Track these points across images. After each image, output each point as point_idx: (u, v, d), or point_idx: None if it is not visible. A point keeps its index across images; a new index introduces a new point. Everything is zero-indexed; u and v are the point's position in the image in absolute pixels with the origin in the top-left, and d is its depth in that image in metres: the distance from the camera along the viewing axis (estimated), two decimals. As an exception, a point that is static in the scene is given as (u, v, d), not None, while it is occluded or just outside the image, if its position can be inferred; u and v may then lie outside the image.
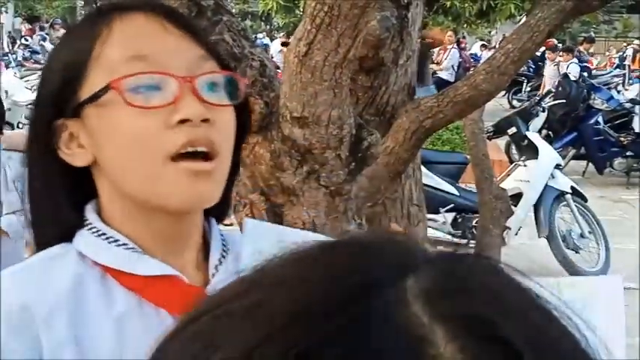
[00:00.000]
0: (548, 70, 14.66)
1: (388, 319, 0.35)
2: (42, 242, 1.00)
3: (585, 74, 12.05)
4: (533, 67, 16.43)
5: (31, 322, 0.89)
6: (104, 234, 0.96)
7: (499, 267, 0.41)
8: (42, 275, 0.94)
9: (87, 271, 0.95)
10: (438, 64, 14.38)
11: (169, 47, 0.94)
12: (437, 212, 6.56)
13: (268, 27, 25.76)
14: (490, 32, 19.42)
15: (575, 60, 15.34)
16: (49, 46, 19.18)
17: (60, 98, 0.95)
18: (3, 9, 25.40)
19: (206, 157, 0.92)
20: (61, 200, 0.97)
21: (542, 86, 13.75)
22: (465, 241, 6.66)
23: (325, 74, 1.74)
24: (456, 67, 15.05)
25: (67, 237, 0.98)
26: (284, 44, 7.95)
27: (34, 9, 26.94)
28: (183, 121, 0.90)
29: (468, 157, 6.72)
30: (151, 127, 0.90)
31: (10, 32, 24.13)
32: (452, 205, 6.70)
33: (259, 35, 20.59)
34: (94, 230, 0.96)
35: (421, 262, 0.38)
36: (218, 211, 1.06)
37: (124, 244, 0.96)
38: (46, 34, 21.11)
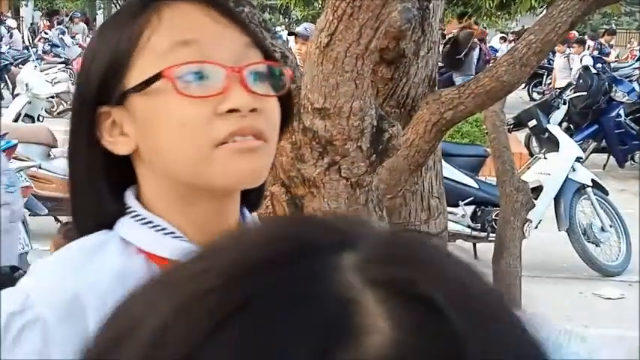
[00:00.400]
0: (558, 62, 14.56)
1: (322, 279, 0.36)
2: (83, 231, 0.99)
3: (600, 66, 11.91)
4: (552, 59, 16.32)
5: (82, 310, 0.89)
6: (149, 221, 0.96)
7: (437, 243, 0.43)
8: (89, 263, 0.93)
9: (131, 258, 0.94)
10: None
11: (216, 35, 0.95)
12: (456, 205, 6.53)
13: (287, 20, 25.75)
14: (508, 25, 19.31)
15: (587, 52, 15.23)
16: (68, 40, 19.29)
17: (104, 86, 0.95)
18: (23, 2, 25.57)
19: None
20: (102, 188, 0.97)
21: (552, 79, 13.62)
22: (484, 234, 6.64)
23: (347, 65, 1.74)
24: (475, 60, 14.97)
25: (108, 225, 0.97)
26: (291, 34, 7.96)
27: (53, 2, 27.08)
28: (231, 111, 0.91)
29: (488, 149, 6.70)
30: (201, 116, 0.91)
31: (30, 25, 24.29)
32: (471, 198, 6.68)
33: (277, 28, 20.59)
34: (137, 217, 0.96)
35: (362, 235, 0.40)
36: (252, 201, 1.06)
37: (170, 232, 0.96)
38: (66, 27, 21.21)
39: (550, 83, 14.84)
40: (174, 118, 0.92)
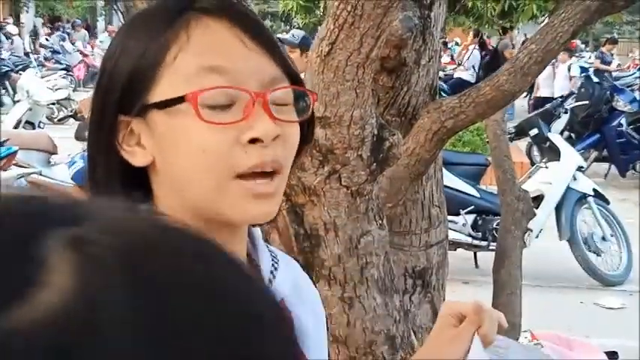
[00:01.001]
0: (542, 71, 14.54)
1: (23, 243, 0.37)
2: None
3: (589, 73, 11.90)
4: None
5: None
6: None
7: (158, 218, 0.44)
8: None
9: None
10: (459, 64, 14.32)
11: (245, 63, 0.92)
12: (457, 214, 6.53)
13: (288, 27, 25.79)
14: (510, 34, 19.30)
15: (574, 60, 15.22)
16: (69, 46, 19.33)
17: (126, 96, 0.93)
18: (24, 9, 25.61)
19: (271, 176, 0.92)
20: (119, 195, 0.95)
21: (535, 88, 13.50)
22: (485, 243, 6.63)
23: (348, 74, 1.73)
24: (477, 68, 15.00)
25: None
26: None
27: (54, 9, 27.13)
28: (254, 140, 0.89)
29: (489, 158, 6.70)
30: (222, 144, 0.89)
31: (33, 30, 24.31)
32: (472, 207, 6.68)
33: (279, 36, 20.59)
34: None
35: (81, 210, 0.40)
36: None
37: None
38: (66, 33, 21.24)
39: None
40: (195, 143, 0.89)
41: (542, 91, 13.51)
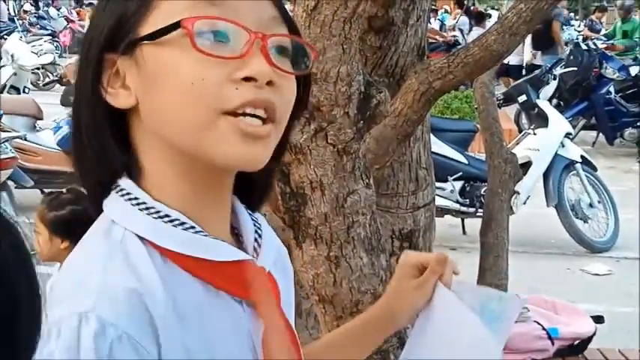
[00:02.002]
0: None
1: None
2: (86, 188, 0.94)
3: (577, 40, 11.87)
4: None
5: (147, 312, 0.83)
6: (157, 211, 0.89)
7: None
8: (129, 266, 0.85)
9: (154, 257, 0.87)
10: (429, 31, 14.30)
11: (247, 1, 0.88)
12: (445, 181, 6.53)
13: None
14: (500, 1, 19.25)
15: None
16: (53, 12, 19.12)
17: (114, 32, 0.88)
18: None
19: (263, 121, 0.87)
20: (106, 141, 0.90)
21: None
22: (472, 209, 6.65)
23: (334, 29, 1.70)
24: (466, 33, 14.97)
25: (108, 182, 0.91)
26: None
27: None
28: (248, 79, 0.85)
29: (477, 125, 6.68)
30: (214, 78, 0.84)
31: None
32: (460, 174, 6.68)
33: None
34: (142, 206, 0.89)
35: None
36: (257, 197, 1.03)
37: (182, 223, 0.89)
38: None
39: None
40: (184, 74, 0.84)
41: (510, 59, 13.46)
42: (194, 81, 0.83)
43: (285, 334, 0.97)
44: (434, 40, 13.97)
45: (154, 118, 0.88)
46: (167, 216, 0.88)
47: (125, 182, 0.90)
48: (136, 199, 0.89)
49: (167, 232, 0.88)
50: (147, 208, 0.89)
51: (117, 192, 0.90)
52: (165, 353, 0.83)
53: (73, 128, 0.93)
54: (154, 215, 0.88)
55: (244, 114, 0.85)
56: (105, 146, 0.90)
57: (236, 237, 0.98)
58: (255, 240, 0.97)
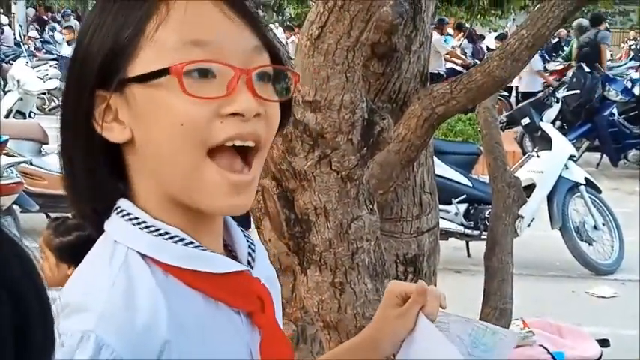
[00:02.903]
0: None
1: None
2: (82, 216, 0.99)
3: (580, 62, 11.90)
4: (547, 58, 16.32)
5: (150, 340, 0.87)
6: (157, 229, 0.93)
7: None
8: (134, 288, 0.89)
9: (156, 273, 0.91)
10: (449, 54, 14.32)
11: (228, 36, 0.91)
12: (449, 203, 6.54)
13: (280, 17, 25.71)
14: (504, 26, 19.33)
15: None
16: (59, 37, 19.24)
17: (104, 70, 0.90)
18: (13, 1, 25.46)
19: (250, 151, 0.91)
20: (100, 172, 0.94)
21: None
22: (477, 232, 6.64)
23: (337, 57, 1.72)
24: (469, 55, 15.03)
25: (105, 209, 0.95)
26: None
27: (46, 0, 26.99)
28: (234, 114, 0.88)
29: (481, 147, 6.69)
30: (202, 116, 0.87)
31: (29, 21, 24.18)
32: (464, 196, 6.68)
33: (271, 26, 20.53)
34: (142, 225, 0.93)
35: None
36: None
37: (181, 239, 0.93)
38: (57, 22, 21.13)
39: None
40: (175, 115, 0.88)
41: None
42: (184, 122, 0.87)
43: (281, 343, 1.02)
44: (453, 63, 14.02)
45: (147, 153, 0.91)
46: (167, 233, 0.92)
47: (124, 203, 0.94)
48: (136, 218, 0.93)
49: (167, 248, 0.92)
50: (147, 227, 0.93)
51: (117, 213, 0.94)
52: None
53: (64, 162, 0.96)
54: (155, 233, 0.92)
55: (234, 147, 0.89)
56: (101, 179, 0.94)
57: (229, 252, 1.02)
58: (249, 254, 1.01)
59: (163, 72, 0.87)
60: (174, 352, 0.87)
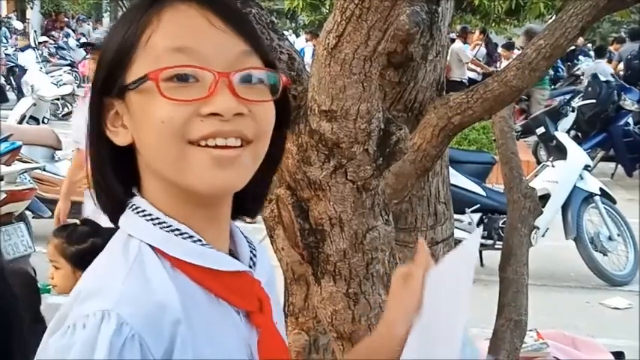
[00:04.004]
0: None
1: None
2: (105, 210, 1.05)
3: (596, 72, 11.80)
4: (562, 67, 16.28)
5: (164, 322, 0.92)
6: (169, 225, 0.99)
7: None
8: (147, 277, 0.96)
9: (165, 266, 0.97)
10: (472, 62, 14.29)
11: (211, 41, 0.97)
12: (463, 212, 6.50)
13: (294, 25, 25.76)
14: (517, 33, 19.28)
15: (582, 59, 15.12)
16: (72, 43, 19.35)
17: (109, 78, 0.99)
18: (29, 5, 25.62)
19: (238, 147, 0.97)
20: (109, 176, 1.02)
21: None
22: (490, 242, 6.61)
23: (354, 67, 1.71)
24: (483, 64, 15.00)
25: (120, 209, 1.03)
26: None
27: (60, 5, 27.09)
28: (214, 114, 0.94)
29: (495, 156, 6.66)
30: (181, 115, 0.94)
31: (43, 25, 24.29)
32: (478, 206, 6.65)
33: (285, 33, 20.52)
34: (155, 221, 1.00)
35: None
36: (251, 207, 1.11)
37: (190, 236, 0.99)
38: (73, 30, 21.24)
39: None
40: (156, 116, 0.95)
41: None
42: (164, 120, 0.94)
43: (278, 344, 1.07)
44: (474, 72, 13.99)
45: (143, 152, 1.00)
46: (177, 230, 0.99)
47: (138, 200, 1.02)
48: (149, 214, 1.00)
49: (177, 243, 0.98)
50: (160, 222, 1.00)
51: (131, 209, 1.02)
52: (177, 355, 0.92)
53: (90, 164, 1.05)
54: (166, 229, 0.99)
55: (216, 146, 0.95)
56: (109, 180, 1.02)
57: (231, 254, 1.06)
58: (251, 258, 1.07)
59: (144, 78, 0.95)
60: (185, 331, 0.93)
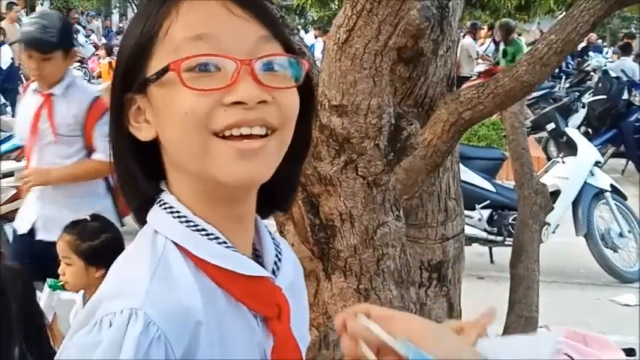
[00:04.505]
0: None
1: None
2: (130, 207, 1.05)
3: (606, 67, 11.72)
4: (572, 62, 16.22)
5: (190, 324, 0.93)
6: (196, 224, 0.99)
7: None
8: (172, 277, 0.95)
9: (189, 264, 0.97)
10: (481, 58, 14.28)
11: (231, 28, 0.95)
12: (473, 209, 6.48)
13: (303, 21, 25.73)
14: (529, 30, 19.22)
15: (592, 55, 15.03)
16: (82, 39, 19.35)
17: (129, 74, 0.98)
18: (38, 2, 25.67)
19: (263, 137, 0.95)
20: (135, 171, 1.01)
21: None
22: (500, 238, 6.58)
23: (365, 62, 1.70)
24: (492, 59, 14.96)
25: (147, 205, 1.02)
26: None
27: (69, 1, 27.13)
28: (237, 103, 0.92)
29: (505, 152, 6.63)
30: (204, 105, 0.92)
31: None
32: (488, 202, 6.62)
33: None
34: (183, 219, 0.99)
35: None
36: (281, 202, 1.10)
37: (216, 238, 0.98)
38: (82, 26, 21.25)
39: (570, 86, 14.69)
40: (179, 107, 0.93)
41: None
42: (187, 110, 0.92)
43: (292, 352, 1.06)
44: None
45: (167, 146, 0.98)
46: (204, 230, 0.98)
47: (167, 196, 1.01)
48: (177, 212, 0.99)
49: (202, 243, 0.97)
50: (187, 221, 0.99)
51: (159, 205, 1.01)
52: (198, 356, 0.92)
53: (113, 160, 1.04)
54: (192, 228, 0.98)
55: (241, 135, 0.93)
56: (135, 176, 1.01)
57: (256, 257, 1.06)
58: (275, 263, 1.05)
59: (166, 69, 0.93)
60: (207, 333, 0.93)
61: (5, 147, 5.84)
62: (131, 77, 0.98)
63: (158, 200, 1.01)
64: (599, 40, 17.42)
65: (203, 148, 0.93)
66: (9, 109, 11.17)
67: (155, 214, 1.01)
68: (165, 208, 1.00)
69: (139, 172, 1.01)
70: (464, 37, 13.03)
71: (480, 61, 13.95)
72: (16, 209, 5.45)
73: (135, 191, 1.02)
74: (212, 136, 0.93)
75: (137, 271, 0.96)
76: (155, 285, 0.93)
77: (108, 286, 0.96)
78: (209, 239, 0.98)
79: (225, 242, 0.98)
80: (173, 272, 0.95)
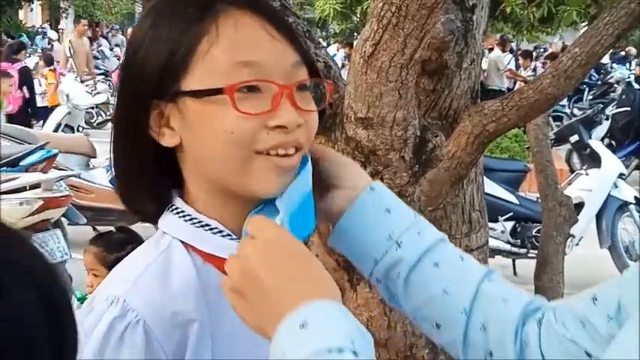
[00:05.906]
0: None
1: None
2: (137, 213, 1.09)
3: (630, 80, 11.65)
4: (596, 74, 16.14)
5: (180, 323, 0.97)
6: (194, 218, 1.03)
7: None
8: (170, 276, 1.00)
9: (196, 263, 1.02)
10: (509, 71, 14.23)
11: (272, 54, 1.00)
12: (496, 221, 6.47)
13: (324, 33, 25.80)
14: (551, 42, 19.15)
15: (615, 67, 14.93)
16: (107, 52, 19.54)
17: (160, 83, 1.00)
18: (63, 15, 25.93)
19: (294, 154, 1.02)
20: (148, 175, 1.04)
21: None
22: (524, 250, 6.57)
23: (391, 75, 1.72)
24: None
25: (159, 211, 1.06)
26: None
27: (93, 15, 27.40)
28: (279, 127, 0.98)
29: (528, 165, 6.62)
30: (251, 127, 0.97)
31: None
32: (511, 214, 6.61)
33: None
34: (187, 217, 1.04)
35: None
36: None
37: (220, 231, 1.03)
38: (105, 38, 21.45)
39: (593, 98, 14.61)
40: (224, 125, 0.97)
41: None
42: (234, 130, 0.97)
43: None
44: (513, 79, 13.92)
45: (196, 156, 1.02)
46: (207, 225, 1.03)
47: (178, 202, 1.06)
48: (182, 212, 1.04)
49: (207, 238, 1.03)
50: (191, 219, 1.04)
51: (170, 210, 1.06)
52: (191, 354, 0.97)
53: (119, 168, 1.07)
54: (197, 225, 1.03)
55: (277, 154, 0.99)
56: (150, 181, 1.05)
57: None
58: None
59: (218, 91, 0.97)
60: (200, 331, 0.97)
61: (32, 159, 5.91)
62: (162, 85, 1.00)
63: (170, 206, 1.06)
64: (623, 53, 17.30)
65: (243, 164, 0.98)
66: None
67: (165, 217, 1.06)
68: (176, 213, 1.05)
69: (155, 176, 1.05)
70: (491, 50, 13.01)
71: (508, 74, 13.89)
72: (43, 220, 5.53)
73: (150, 195, 1.06)
74: (254, 154, 0.98)
75: (132, 265, 1.02)
76: (146, 277, 0.98)
77: (105, 280, 1.02)
78: (213, 233, 1.03)
79: (229, 235, 1.03)
80: (171, 269, 1.00)
